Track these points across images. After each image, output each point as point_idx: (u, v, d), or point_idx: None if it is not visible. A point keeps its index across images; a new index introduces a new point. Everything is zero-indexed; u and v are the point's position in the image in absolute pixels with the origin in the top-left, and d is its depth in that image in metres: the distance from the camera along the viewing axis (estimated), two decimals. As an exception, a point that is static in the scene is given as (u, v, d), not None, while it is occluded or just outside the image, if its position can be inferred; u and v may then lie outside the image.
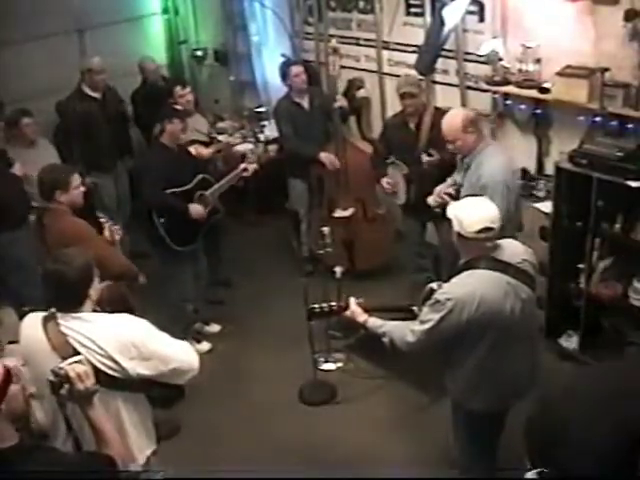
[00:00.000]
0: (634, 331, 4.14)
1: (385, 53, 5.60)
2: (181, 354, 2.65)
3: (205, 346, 4.80)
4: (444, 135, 3.92)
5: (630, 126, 3.98)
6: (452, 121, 3.86)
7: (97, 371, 2.33)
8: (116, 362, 2.49)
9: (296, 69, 5.31)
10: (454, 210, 2.93)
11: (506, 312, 2.82)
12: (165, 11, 6.94)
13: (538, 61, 4.32)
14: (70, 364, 2.20)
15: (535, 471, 1.85)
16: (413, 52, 5.14)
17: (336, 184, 5.29)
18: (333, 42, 5.10)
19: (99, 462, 2.08)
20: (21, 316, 2.75)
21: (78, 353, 2.40)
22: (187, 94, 5.28)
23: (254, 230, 6.36)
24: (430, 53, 4.76)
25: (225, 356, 4.78)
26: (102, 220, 3.73)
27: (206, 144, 5.34)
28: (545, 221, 4.32)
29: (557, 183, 4.12)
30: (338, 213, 5.29)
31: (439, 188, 4.11)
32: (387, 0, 5.41)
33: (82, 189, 3.65)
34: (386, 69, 5.65)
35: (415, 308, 3.16)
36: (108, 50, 5.76)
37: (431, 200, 4.15)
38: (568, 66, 4.11)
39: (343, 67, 5.27)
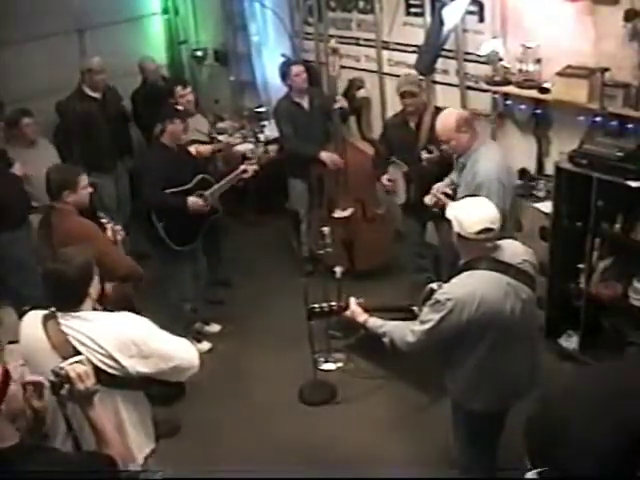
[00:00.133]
0: (634, 331, 4.14)
1: (385, 53, 5.61)
2: (181, 352, 2.65)
3: (205, 346, 4.81)
4: (438, 135, 3.94)
5: (630, 126, 3.98)
6: (446, 121, 3.87)
7: (97, 370, 2.33)
8: (116, 360, 2.49)
9: (296, 69, 5.31)
10: (454, 211, 2.93)
11: (506, 312, 2.82)
12: (165, 11, 6.94)
13: (538, 61, 4.32)
14: (71, 364, 2.20)
15: (535, 471, 1.85)
16: (413, 52, 5.15)
17: (336, 184, 5.29)
18: (332, 42, 5.10)
19: (99, 462, 2.08)
20: (21, 316, 2.75)
21: (78, 352, 2.40)
22: (188, 94, 5.28)
23: (254, 230, 6.36)
24: (430, 53, 4.76)
25: (225, 356, 4.78)
26: (103, 221, 3.74)
27: (206, 144, 5.33)
28: (545, 221, 4.32)
29: (557, 183, 4.13)
30: (338, 213, 5.29)
31: (436, 187, 4.11)
32: (387, 0, 5.41)
33: (89, 190, 3.66)
34: (386, 69, 5.65)
35: (415, 308, 3.16)
36: (108, 50, 5.76)
37: (428, 199, 4.16)
38: (568, 66, 4.11)
39: (343, 67, 5.26)
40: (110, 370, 2.48)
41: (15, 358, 2.71)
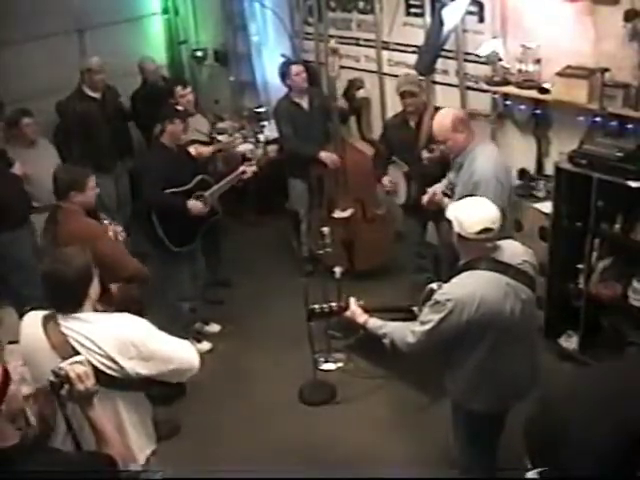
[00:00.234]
0: (634, 331, 4.14)
1: (385, 53, 5.61)
2: (181, 353, 2.65)
3: (205, 346, 4.81)
4: (435, 136, 3.95)
5: (630, 126, 3.98)
6: (442, 122, 3.88)
7: (97, 371, 2.33)
8: (115, 362, 2.48)
9: (296, 68, 5.31)
10: (454, 211, 2.93)
11: (506, 313, 2.82)
12: (165, 11, 6.94)
13: (538, 61, 4.32)
14: (70, 364, 2.20)
15: (536, 471, 1.86)
16: (413, 52, 5.15)
17: (335, 185, 5.30)
18: (332, 42, 5.10)
19: (99, 462, 2.08)
20: (22, 316, 2.74)
21: (78, 353, 2.40)
22: (188, 94, 5.28)
23: (254, 230, 6.37)
24: (430, 53, 4.76)
25: (225, 356, 4.78)
26: (105, 222, 3.74)
27: (206, 144, 5.34)
28: (545, 221, 4.32)
29: (557, 183, 4.13)
30: (337, 214, 5.30)
31: (433, 188, 4.12)
32: (387, 0, 5.41)
33: (97, 191, 3.66)
34: (386, 69, 5.65)
35: (415, 309, 3.16)
36: (108, 50, 5.76)
37: (424, 198, 4.16)
38: (568, 66, 4.11)
39: (343, 67, 5.26)
40: (110, 371, 2.48)
41: (15, 358, 2.71)
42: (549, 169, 4.54)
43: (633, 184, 3.71)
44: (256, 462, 3.78)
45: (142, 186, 4.56)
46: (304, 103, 5.37)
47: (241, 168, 4.91)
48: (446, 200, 3.98)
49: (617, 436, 1.74)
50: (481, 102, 4.94)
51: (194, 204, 4.47)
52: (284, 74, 5.43)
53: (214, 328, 5.06)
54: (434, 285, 3.01)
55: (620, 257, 4.10)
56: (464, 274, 2.86)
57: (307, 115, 5.37)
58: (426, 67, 4.84)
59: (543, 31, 4.29)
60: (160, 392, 2.75)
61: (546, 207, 4.30)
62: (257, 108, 6.53)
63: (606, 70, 3.92)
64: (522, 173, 4.72)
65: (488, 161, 3.79)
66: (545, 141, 4.63)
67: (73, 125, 5.50)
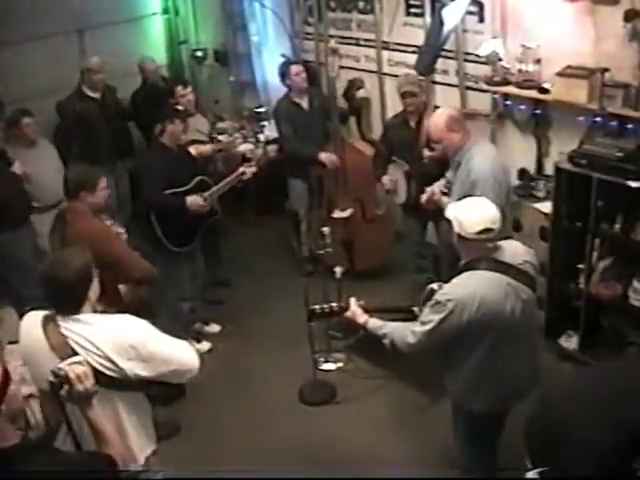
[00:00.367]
0: (634, 331, 4.14)
1: (385, 53, 5.61)
2: (181, 354, 2.64)
3: (205, 346, 4.81)
4: (430, 136, 3.96)
5: (630, 126, 3.98)
6: (437, 122, 3.90)
7: (96, 372, 2.32)
8: (114, 363, 2.48)
9: (296, 68, 5.31)
10: (454, 211, 2.93)
11: (506, 313, 2.82)
12: (165, 11, 6.94)
13: (538, 61, 4.32)
14: (70, 365, 2.20)
15: (536, 471, 1.86)
16: (413, 52, 5.15)
17: (335, 185, 5.30)
18: (332, 42, 5.11)
19: (99, 462, 2.08)
20: (22, 316, 2.74)
21: (77, 354, 2.39)
22: (188, 94, 5.28)
23: (254, 230, 6.37)
24: (430, 53, 4.76)
25: (225, 356, 4.78)
26: (107, 222, 3.73)
27: (207, 144, 5.33)
28: (545, 221, 4.32)
29: (557, 183, 4.13)
30: (337, 214, 5.30)
31: (432, 187, 4.12)
32: (387, 0, 5.41)
33: (107, 192, 3.66)
34: (386, 69, 5.65)
35: (415, 309, 3.16)
36: (108, 50, 5.76)
37: (423, 197, 4.17)
38: (568, 66, 4.11)
39: (343, 67, 5.27)
40: (109, 372, 2.47)
41: (15, 358, 2.71)
42: (549, 169, 4.54)
43: (633, 184, 3.71)
44: (256, 462, 3.78)
45: (142, 186, 4.56)
46: (304, 103, 5.37)
47: (241, 169, 4.91)
48: (444, 199, 3.98)
49: (617, 436, 1.74)
50: (481, 102, 4.94)
51: (194, 199, 4.45)
52: (284, 74, 5.43)
53: (214, 328, 5.06)
54: (435, 285, 3.01)
55: (620, 257, 4.10)
56: (465, 274, 2.86)
57: (307, 115, 5.37)
58: (426, 67, 4.85)
59: (543, 31, 4.29)
60: (160, 392, 2.74)
61: (546, 207, 4.30)
62: (257, 108, 6.52)
63: (606, 70, 3.92)
64: (522, 173, 4.72)
65: (486, 160, 3.80)
66: (545, 141, 4.63)
67: (73, 125, 5.51)
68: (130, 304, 3.39)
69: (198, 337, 4.83)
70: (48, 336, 2.49)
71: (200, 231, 4.62)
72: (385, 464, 3.73)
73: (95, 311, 2.64)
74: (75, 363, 2.21)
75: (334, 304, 3.32)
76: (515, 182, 4.66)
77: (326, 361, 4.58)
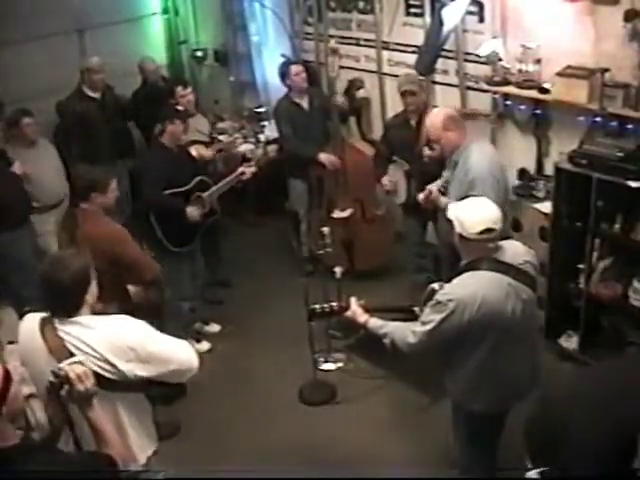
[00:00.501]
0: (634, 331, 4.14)
1: (385, 53, 5.60)
2: (180, 354, 2.63)
3: (205, 346, 4.81)
4: (428, 135, 3.98)
5: (630, 126, 3.98)
6: (433, 121, 3.93)
7: (95, 374, 2.31)
8: (113, 365, 2.47)
9: (296, 68, 5.31)
10: (455, 211, 2.93)
11: (507, 313, 2.82)
12: (165, 11, 6.94)
13: (538, 61, 4.32)
14: (70, 365, 2.19)
15: (536, 471, 1.86)
16: (413, 52, 5.15)
17: (335, 185, 5.30)
18: (332, 42, 5.11)
19: (100, 462, 2.08)
20: (21, 316, 2.74)
21: (74, 356, 2.38)
22: (188, 94, 5.29)
23: (254, 230, 6.37)
24: (430, 53, 4.76)
25: (225, 356, 4.78)
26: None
27: (207, 145, 5.33)
28: (545, 221, 4.32)
29: (557, 183, 4.13)
30: (336, 214, 5.30)
31: (430, 185, 4.13)
32: (387, 0, 5.41)
33: (117, 193, 3.65)
34: (386, 69, 5.65)
35: (416, 309, 3.16)
36: (108, 50, 5.76)
37: (420, 197, 4.17)
38: (568, 66, 4.11)
39: (343, 67, 5.27)
40: (107, 374, 2.46)
41: (15, 358, 2.71)
42: (549, 169, 4.54)
43: (633, 184, 3.71)
44: (256, 462, 3.78)
45: (142, 186, 4.56)
46: (304, 103, 5.37)
47: (240, 169, 4.92)
48: (442, 199, 3.99)
49: (616, 436, 1.74)
50: (481, 102, 4.93)
51: (192, 212, 4.47)
52: (284, 74, 5.43)
53: (214, 328, 5.06)
54: (435, 285, 3.01)
55: (620, 257, 4.10)
56: (465, 274, 2.86)
57: (307, 115, 5.37)
58: (426, 67, 4.85)
59: (543, 31, 4.29)
60: (160, 392, 2.74)
61: (546, 207, 4.30)
62: (257, 108, 6.53)
63: (606, 70, 3.92)
64: (522, 173, 4.72)
65: (484, 159, 3.81)
66: (545, 141, 4.63)
67: (73, 125, 5.51)
68: (139, 305, 3.40)
69: (198, 337, 4.83)
70: (46, 338, 2.48)
71: (200, 231, 4.62)
72: (385, 464, 3.73)
73: (93, 312, 2.63)
74: (75, 363, 2.21)
75: (334, 303, 3.32)
76: (515, 182, 4.67)
77: (326, 361, 4.58)
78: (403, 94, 4.57)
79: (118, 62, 5.77)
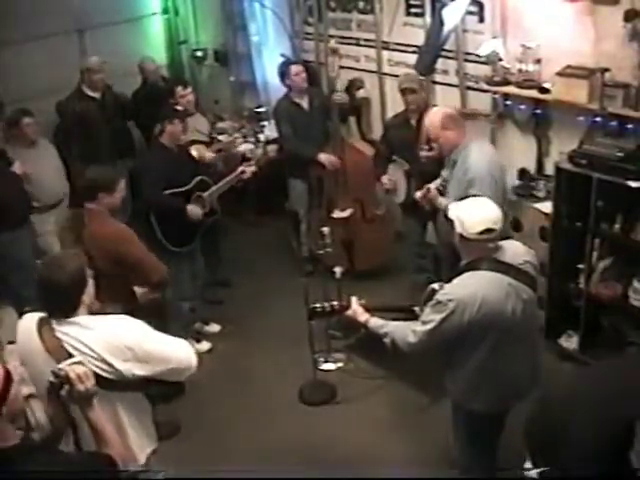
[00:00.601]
0: (634, 331, 4.14)
1: (385, 53, 5.61)
2: (178, 353, 2.62)
3: (205, 346, 4.81)
4: (427, 135, 4.00)
5: (630, 126, 3.98)
6: (432, 120, 3.95)
7: (94, 374, 2.31)
8: (110, 365, 2.46)
9: (296, 68, 5.31)
10: (456, 211, 2.93)
11: (507, 313, 2.82)
12: (165, 11, 6.94)
13: (538, 61, 4.32)
14: (70, 365, 2.19)
15: (537, 470, 1.86)
16: (413, 52, 5.15)
17: (335, 185, 5.30)
18: (332, 42, 5.11)
19: (99, 462, 2.08)
20: (21, 315, 2.73)
21: (72, 357, 2.38)
22: (188, 94, 5.29)
23: (254, 230, 6.37)
24: (430, 53, 4.76)
25: (225, 356, 4.78)
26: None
27: (207, 145, 5.33)
28: (545, 221, 4.32)
29: (557, 183, 4.13)
30: (336, 214, 5.30)
31: (427, 186, 4.14)
32: (387, 0, 5.41)
33: (123, 194, 3.64)
34: (386, 69, 5.65)
35: (416, 309, 3.16)
36: (108, 50, 5.76)
37: (418, 195, 4.17)
38: (568, 66, 4.11)
39: (343, 67, 5.27)
40: (105, 374, 2.46)
41: (15, 358, 2.70)
42: (549, 169, 4.54)
43: (633, 184, 3.71)
44: (256, 462, 3.78)
45: (142, 186, 4.55)
46: (304, 103, 5.37)
47: (240, 168, 4.92)
48: (440, 199, 4.00)
49: (615, 434, 1.74)
50: (481, 102, 4.93)
51: (192, 210, 4.47)
52: (283, 74, 5.43)
53: (214, 328, 5.06)
54: (436, 285, 3.01)
55: (620, 257, 4.10)
56: (466, 274, 2.86)
57: (307, 115, 5.36)
58: (426, 67, 4.85)
59: (543, 31, 4.29)
60: (159, 391, 2.73)
61: (546, 207, 4.30)
62: (257, 108, 6.53)
63: (606, 70, 3.92)
64: (522, 173, 4.72)
65: (483, 158, 3.82)
66: (545, 141, 4.63)
67: (72, 125, 5.50)
68: (144, 305, 3.40)
69: (198, 337, 4.82)
70: (43, 339, 2.47)
71: (200, 231, 4.62)
72: (385, 464, 3.73)
73: (91, 312, 2.62)
74: (75, 363, 2.21)
75: (335, 303, 3.32)
76: (515, 182, 4.67)
77: (326, 361, 4.58)
78: (403, 92, 4.58)
79: (118, 62, 5.77)
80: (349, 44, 5.77)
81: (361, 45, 5.77)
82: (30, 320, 2.57)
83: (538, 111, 4.54)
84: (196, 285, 4.83)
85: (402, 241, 5.25)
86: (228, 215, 5.28)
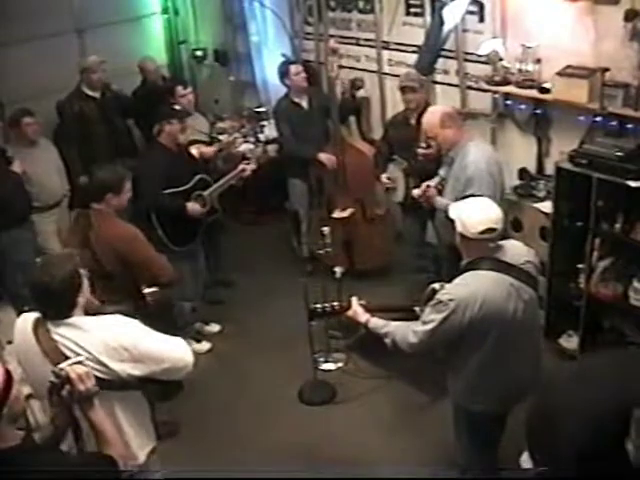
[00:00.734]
0: (634, 331, 4.14)
1: (385, 53, 5.60)
2: (173, 352, 2.61)
3: (205, 346, 4.81)
4: (425, 133, 4.00)
5: (630, 126, 3.98)
6: (430, 118, 3.96)
7: None
8: (106, 366, 2.45)
9: (295, 68, 5.31)
10: (457, 211, 2.94)
11: (508, 313, 2.82)
12: (165, 11, 6.94)
13: (538, 61, 4.32)
14: (71, 365, 2.19)
15: (530, 461, 1.86)
16: (413, 52, 5.15)
17: (335, 185, 5.29)
18: (331, 42, 5.11)
19: (101, 462, 2.08)
20: (19, 315, 2.73)
21: (68, 358, 2.37)
22: (188, 94, 5.29)
23: (254, 230, 6.37)
24: (430, 53, 4.76)
25: (225, 356, 4.78)
26: None
27: (207, 144, 5.33)
28: (545, 221, 4.32)
29: (557, 183, 4.13)
30: (337, 214, 5.29)
31: (425, 184, 4.14)
32: (387, 0, 5.41)
33: (130, 194, 3.64)
34: (386, 69, 5.65)
35: (417, 309, 3.16)
36: (108, 50, 5.76)
37: (416, 192, 4.18)
38: (568, 66, 4.11)
39: (343, 67, 5.27)
40: (101, 375, 2.44)
41: (14, 358, 2.71)
42: (549, 169, 4.54)
43: (633, 184, 3.70)
44: (256, 462, 3.78)
45: (142, 186, 4.55)
46: (304, 103, 5.36)
47: (240, 166, 4.92)
48: (438, 199, 4.00)
49: (610, 424, 1.74)
50: (481, 102, 4.93)
51: (193, 207, 4.47)
52: (283, 74, 5.42)
53: (214, 328, 5.06)
54: (436, 285, 3.01)
55: (620, 257, 4.09)
56: (467, 274, 2.86)
57: (307, 115, 5.36)
58: (426, 67, 4.85)
59: (543, 31, 4.29)
60: (157, 390, 2.73)
61: (546, 207, 4.30)
62: (257, 108, 6.53)
63: (606, 70, 3.92)
64: (522, 173, 4.72)
65: (481, 157, 3.83)
66: (545, 141, 4.63)
67: (72, 125, 5.50)
68: (152, 305, 3.40)
69: (198, 337, 4.83)
70: (39, 340, 2.46)
71: (201, 230, 4.62)
72: (385, 464, 3.73)
73: (88, 313, 2.60)
74: (76, 363, 2.21)
75: (336, 303, 3.32)
76: (515, 182, 4.67)
77: (326, 361, 4.58)
78: (403, 90, 4.58)
79: (118, 62, 5.77)
80: (349, 44, 5.77)
81: (361, 45, 5.77)
82: (26, 320, 2.56)
83: (538, 111, 4.54)
84: (198, 285, 4.83)
85: (402, 241, 5.25)
86: (228, 215, 5.27)
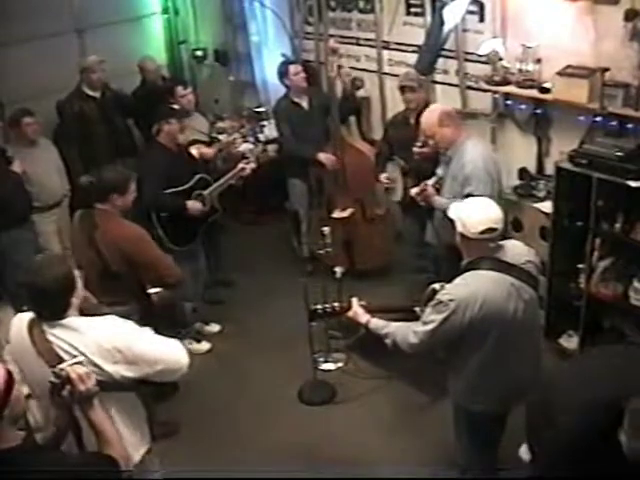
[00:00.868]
0: (634, 331, 4.14)
1: (385, 53, 5.60)
2: (168, 354, 2.59)
3: (205, 346, 4.81)
4: (423, 131, 4.01)
5: (630, 126, 3.98)
6: (429, 117, 3.97)
7: None
8: (99, 367, 2.44)
9: (295, 68, 5.30)
10: (457, 211, 2.94)
11: (509, 313, 2.82)
12: (165, 11, 6.93)
13: (538, 61, 4.32)
14: (71, 365, 2.19)
15: (529, 453, 1.87)
16: (413, 52, 5.15)
17: (335, 184, 5.29)
18: (331, 42, 5.11)
19: (101, 462, 2.08)
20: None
21: (63, 360, 2.36)
22: (188, 94, 5.29)
23: (254, 230, 6.37)
24: (430, 53, 4.76)
25: (225, 356, 4.78)
26: None
27: (207, 144, 5.33)
28: (545, 221, 4.32)
29: (557, 183, 4.13)
30: (337, 214, 5.29)
31: (424, 183, 4.14)
32: (387, 0, 5.41)
33: (134, 195, 3.63)
34: (386, 69, 5.65)
35: (417, 309, 3.16)
36: (108, 50, 5.75)
37: (414, 191, 4.18)
38: (568, 66, 4.11)
39: (342, 67, 5.26)
40: (96, 377, 2.45)
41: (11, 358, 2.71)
42: (549, 169, 4.54)
43: (633, 184, 3.71)
44: (256, 462, 3.77)
45: (142, 186, 4.55)
46: (304, 103, 5.36)
47: (240, 165, 4.92)
48: (436, 198, 4.00)
49: (603, 417, 1.74)
50: (481, 102, 4.94)
51: (193, 204, 4.48)
52: (282, 74, 5.42)
53: (214, 328, 5.06)
54: (436, 285, 3.01)
55: (621, 257, 4.09)
56: (467, 274, 2.86)
57: (307, 115, 5.36)
58: (426, 67, 4.85)
59: (543, 31, 4.29)
60: (151, 390, 2.72)
61: (546, 207, 4.30)
62: (257, 108, 6.53)
63: (606, 70, 3.92)
64: (522, 172, 4.72)
65: (479, 155, 3.85)
66: (545, 141, 4.63)
67: (72, 124, 5.50)
68: (158, 306, 3.39)
69: (198, 337, 4.83)
70: (34, 341, 2.46)
71: (201, 230, 4.62)
72: (385, 464, 3.73)
73: (84, 314, 2.59)
74: (76, 363, 2.21)
75: (336, 304, 3.32)
76: (515, 182, 4.67)
77: (326, 361, 4.58)
78: (403, 89, 4.59)
79: (118, 62, 5.77)
80: (349, 44, 5.77)
81: (361, 45, 5.77)
82: (21, 320, 2.55)
83: (538, 111, 4.54)
84: (198, 285, 4.83)
85: (402, 241, 5.25)
86: (228, 215, 5.27)
